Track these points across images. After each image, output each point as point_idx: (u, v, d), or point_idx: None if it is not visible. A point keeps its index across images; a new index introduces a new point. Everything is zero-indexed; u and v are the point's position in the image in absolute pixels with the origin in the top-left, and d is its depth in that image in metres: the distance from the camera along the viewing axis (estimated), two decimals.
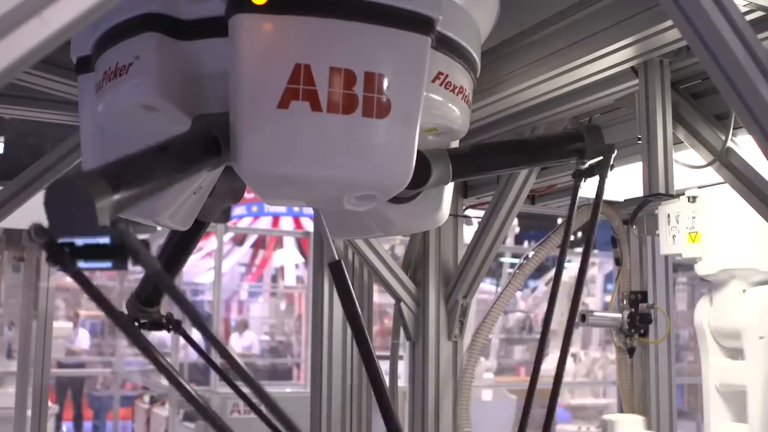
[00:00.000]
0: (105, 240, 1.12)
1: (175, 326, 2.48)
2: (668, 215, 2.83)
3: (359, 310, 1.94)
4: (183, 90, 1.67)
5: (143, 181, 1.36)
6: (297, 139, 1.57)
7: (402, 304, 3.29)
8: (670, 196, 2.27)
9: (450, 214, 3.31)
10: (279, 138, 1.58)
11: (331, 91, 1.54)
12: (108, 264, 1.14)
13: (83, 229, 1.14)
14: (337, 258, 2.04)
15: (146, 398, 9.49)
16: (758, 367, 2.52)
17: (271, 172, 1.61)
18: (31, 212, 2.46)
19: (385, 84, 1.59)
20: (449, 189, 2.01)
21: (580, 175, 2.07)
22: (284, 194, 1.81)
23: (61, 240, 1.14)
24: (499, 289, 2.80)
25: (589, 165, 2.05)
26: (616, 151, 2.06)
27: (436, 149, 1.86)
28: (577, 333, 11.99)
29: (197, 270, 13.79)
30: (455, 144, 2.00)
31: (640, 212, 3.00)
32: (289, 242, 13.94)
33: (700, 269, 2.70)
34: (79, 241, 1.14)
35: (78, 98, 1.98)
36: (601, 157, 2.04)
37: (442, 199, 2.01)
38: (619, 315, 3.06)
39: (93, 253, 1.14)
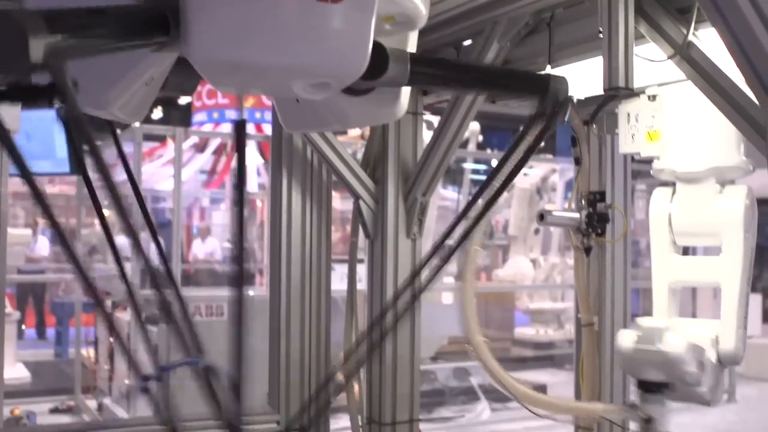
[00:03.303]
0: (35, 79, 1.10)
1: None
2: (628, 114, 2.82)
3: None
4: None
5: (81, 33, 1.33)
6: (250, 23, 1.52)
7: (361, 201, 3.27)
8: (629, 90, 2.26)
9: (410, 112, 3.31)
10: (231, 22, 1.53)
11: None
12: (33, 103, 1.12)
13: (14, 62, 1.13)
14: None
15: (108, 303, 9.47)
16: (736, 264, 2.54)
17: (222, 58, 1.57)
18: None
19: None
20: None
21: (533, 119, 2.07)
22: (236, 81, 1.76)
23: None
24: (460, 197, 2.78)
25: (542, 112, 2.04)
26: (573, 102, 2.04)
27: (398, 49, 1.82)
28: (537, 239, 12.15)
29: (158, 177, 13.65)
30: (414, 36, 1.96)
31: (601, 111, 2.99)
32: (251, 146, 13.77)
33: (659, 167, 2.70)
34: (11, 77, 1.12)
35: None
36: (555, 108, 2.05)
37: (400, 92, 1.98)
38: (577, 215, 3.07)
39: (22, 92, 1.12)
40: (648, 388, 2.48)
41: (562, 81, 2.06)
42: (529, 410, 2.65)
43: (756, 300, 14.19)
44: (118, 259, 2.41)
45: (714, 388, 2.57)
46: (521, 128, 2.12)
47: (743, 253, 2.53)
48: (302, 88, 1.67)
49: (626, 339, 2.52)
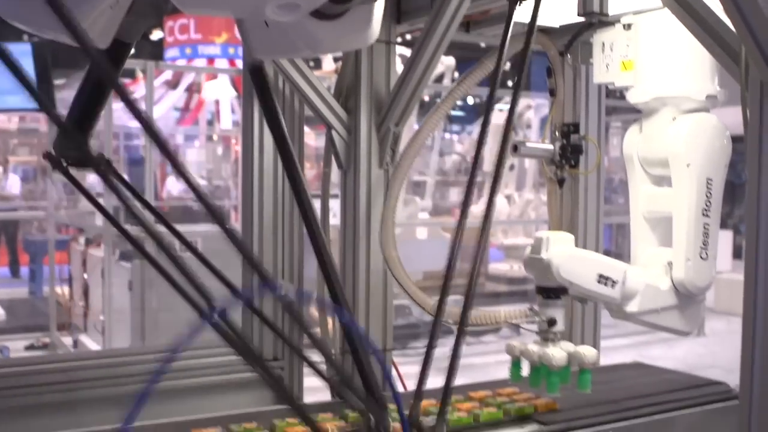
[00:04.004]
0: None
1: (106, 165, 2.38)
2: (602, 43, 2.79)
3: (283, 124, 1.86)
4: None
5: None
6: None
7: (333, 132, 3.23)
8: (604, 15, 2.22)
9: (382, 41, 3.26)
10: None
11: None
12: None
13: None
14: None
15: (81, 240, 9.43)
16: (684, 194, 2.56)
17: None
18: None
19: None
20: (380, 7, 1.92)
21: None
22: (203, 2, 1.72)
23: None
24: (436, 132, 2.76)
25: None
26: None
27: None
28: (512, 175, 12.18)
29: (130, 115, 13.46)
30: None
31: (576, 41, 2.97)
32: (224, 79, 13.61)
33: (632, 97, 2.69)
34: None
35: None
36: None
37: (371, 17, 1.93)
38: (550, 146, 3.06)
39: None
40: (545, 293, 2.55)
41: None
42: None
43: (727, 236, 14.37)
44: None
45: (663, 314, 2.62)
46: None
47: (689, 183, 2.54)
48: (270, 8, 1.63)
49: (528, 249, 2.59)
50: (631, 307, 2.58)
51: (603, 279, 2.50)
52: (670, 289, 2.61)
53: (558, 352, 2.52)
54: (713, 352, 9.32)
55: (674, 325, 2.67)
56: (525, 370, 2.64)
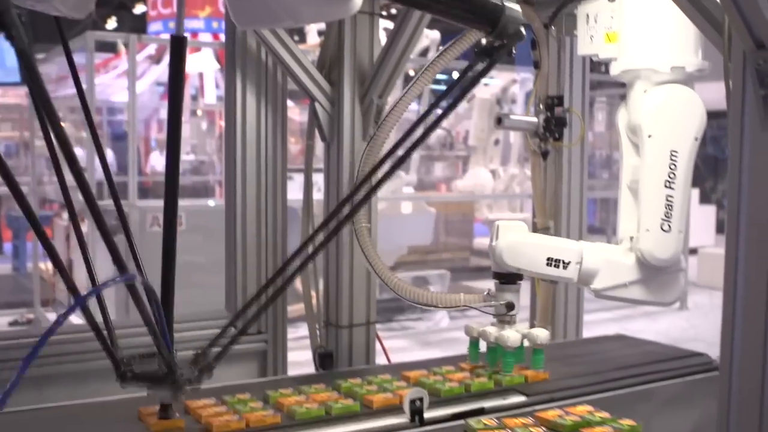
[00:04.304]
0: None
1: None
2: (587, 15, 2.79)
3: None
4: None
5: None
6: None
7: (316, 104, 3.22)
8: None
9: (365, 12, 3.24)
10: None
11: None
12: None
13: None
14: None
15: (65, 216, 9.38)
16: (646, 165, 2.60)
17: None
18: None
19: None
20: None
21: (482, 54, 2.11)
22: None
23: None
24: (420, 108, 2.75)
25: (491, 45, 2.09)
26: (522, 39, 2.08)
27: None
28: (497, 149, 12.18)
29: (113, 89, 13.36)
30: None
31: (560, 13, 2.96)
32: (207, 52, 13.49)
33: (613, 69, 2.70)
34: None
35: None
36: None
37: None
38: (534, 119, 3.05)
39: None
40: (501, 278, 2.68)
41: (514, 13, 2.08)
42: (405, 299, 2.82)
43: (710, 211, 14.46)
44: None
45: (631, 288, 2.67)
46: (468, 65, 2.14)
47: (651, 154, 2.57)
48: None
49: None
50: (596, 284, 2.66)
51: (552, 262, 2.62)
52: (634, 262, 2.65)
53: (513, 334, 2.64)
54: (696, 326, 9.39)
55: (646, 298, 2.71)
56: (482, 349, 2.78)
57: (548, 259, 2.61)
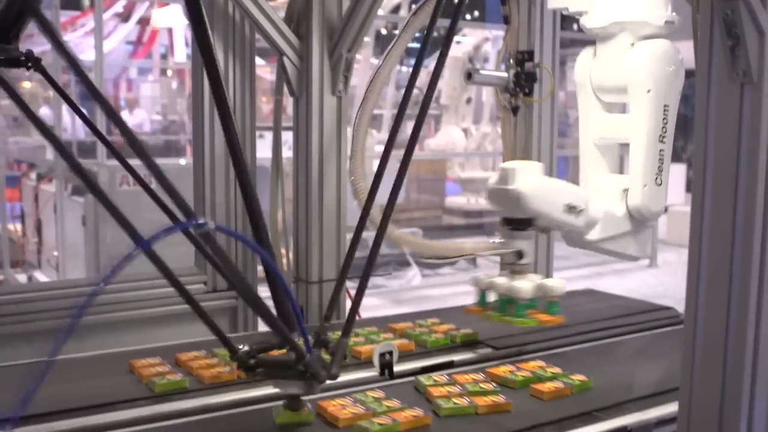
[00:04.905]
0: None
1: (35, 63, 2.32)
2: None
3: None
4: None
5: None
6: None
7: (285, 58, 3.17)
8: None
9: None
10: None
11: None
12: None
13: None
14: None
15: (33, 176, 9.28)
16: (643, 120, 2.54)
17: None
18: None
19: None
20: None
21: None
22: None
23: None
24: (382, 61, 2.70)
25: None
26: None
27: None
28: (469, 108, 12.16)
29: (82, 47, 13.15)
30: None
31: None
32: (176, 8, 13.26)
33: (587, 22, 2.66)
34: None
35: None
36: None
37: None
38: (504, 74, 3.03)
39: None
40: (513, 225, 2.52)
41: None
42: (409, 252, 2.73)
43: (681, 170, 14.54)
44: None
45: (619, 239, 2.63)
46: None
47: (648, 109, 2.53)
48: None
49: (491, 179, 2.53)
50: (592, 235, 2.57)
51: (570, 208, 2.47)
52: (624, 215, 2.63)
53: (524, 284, 2.52)
54: (664, 283, 9.51)
55: (628, 251, 2.70)
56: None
57: (566, 205, 2.45)
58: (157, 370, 2.29)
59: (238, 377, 2.22)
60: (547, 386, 2.22)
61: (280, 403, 2.01)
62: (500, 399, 2.11)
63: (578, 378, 2.28)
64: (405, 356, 2.48)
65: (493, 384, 2.24)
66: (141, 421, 2.05)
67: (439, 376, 2.29)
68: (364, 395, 2.12)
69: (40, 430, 1.96)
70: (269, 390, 2.10)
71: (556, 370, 2.36)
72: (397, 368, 2.31)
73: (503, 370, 2.35)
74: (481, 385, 2.21)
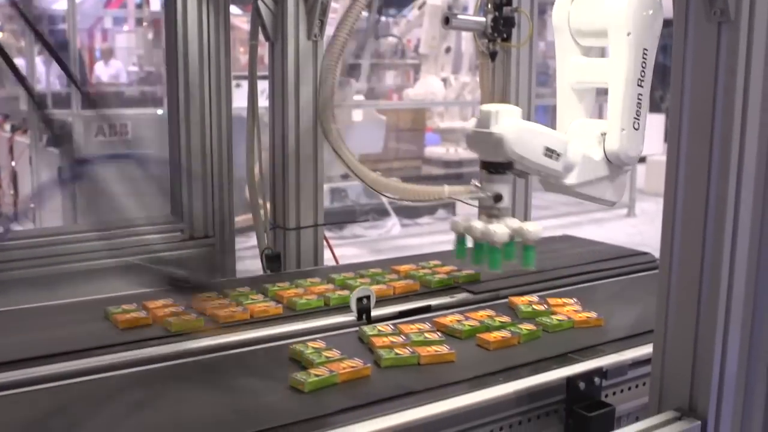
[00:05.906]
0: None
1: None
2: None
3: None
4: None
5: None
6: None
7: (260, 2, 3.11)
8: None
9: None
10: None
11: None
12: None
13: None
14: None
15: (7, 127, 9.17)
16: (622, 63, 2.52)
17: None
18: None
19: None
20: None
21: None
22: None
23: None
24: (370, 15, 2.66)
25: None
26: None
27: None
28: (448, 58, 12.08)
29: None
30: None
31: None
32: None
33: None
34: None
35: None
36: None
37: None
38: (482, 18, 3.00)
39: None
40: (490, 168, 2.53)
41: None
42: (382, 195, 2.78)
43: (659, 120, 14.55)
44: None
45: (596, 184, 2.63)
46: None
47: (628, 53, 2.50)
48: None
49: (471, 122, 2.53)
50: (570, 179, 2.57)
51: (549, 152, 2.46)
52: (602, 160, 2.62)
53: (500, 228, 2.51)
54: (642, 232, 9.58)
55: (605, 196, 2.70)
56: (470, 246, 2.63)
57: (546, 149, 2.45)
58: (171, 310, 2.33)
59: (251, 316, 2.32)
60: (494, 336, 2.18)
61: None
62: (443, 349, 2.06)
63: (526, 327, 2.25)
64: (398, 299, 2.57)
65: (439, 334, 2.19)
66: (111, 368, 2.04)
67: (384, 326, 2.22)
68: (305, 345, 2.05)
69: (28, 374, 1.96)
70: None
71: (505, 319, 2.32)
72: (375, 312, 2.33)
73: (450, 319, 2.31)
74: (426, 335, 2.16)
